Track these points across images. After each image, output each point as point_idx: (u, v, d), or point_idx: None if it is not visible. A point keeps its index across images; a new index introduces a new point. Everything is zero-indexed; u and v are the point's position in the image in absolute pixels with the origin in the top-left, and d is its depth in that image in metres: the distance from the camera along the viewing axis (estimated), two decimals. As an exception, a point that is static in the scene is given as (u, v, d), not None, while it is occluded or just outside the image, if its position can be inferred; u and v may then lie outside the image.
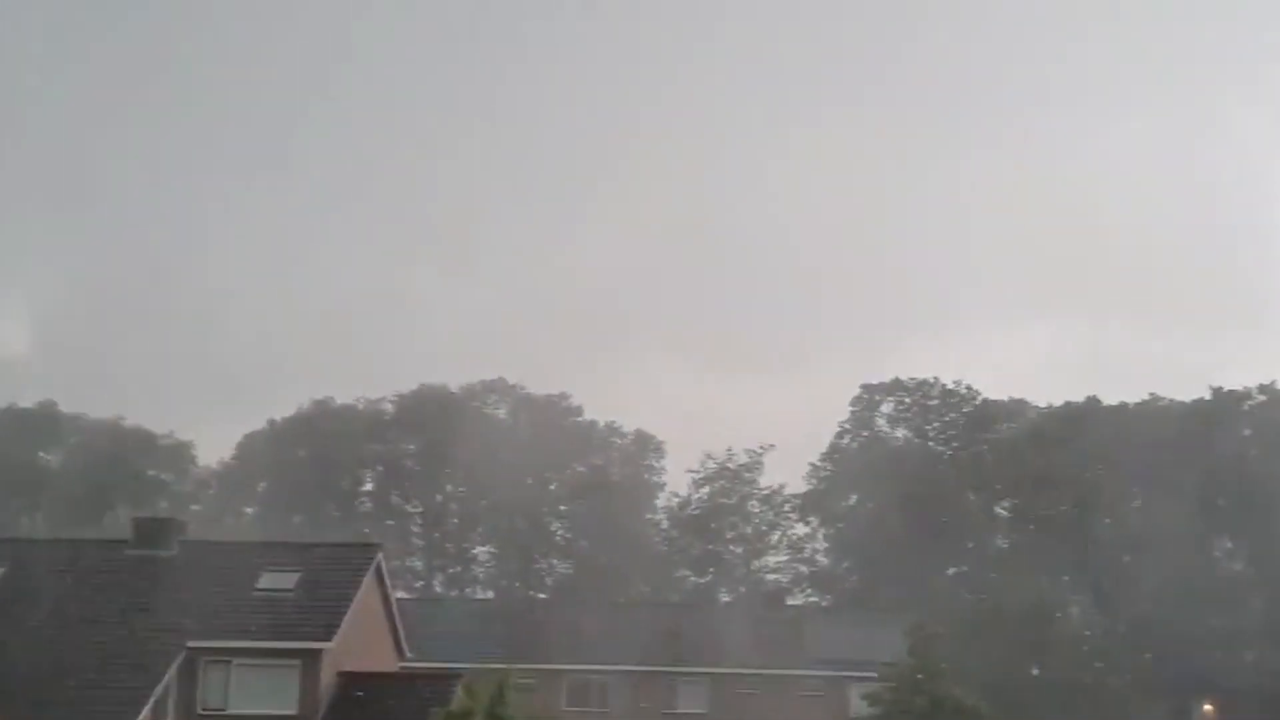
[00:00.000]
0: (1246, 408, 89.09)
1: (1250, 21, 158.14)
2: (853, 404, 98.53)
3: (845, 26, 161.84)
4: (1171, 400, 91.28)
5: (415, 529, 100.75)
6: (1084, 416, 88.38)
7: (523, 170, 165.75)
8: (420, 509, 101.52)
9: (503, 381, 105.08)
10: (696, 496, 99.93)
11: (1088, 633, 76.38)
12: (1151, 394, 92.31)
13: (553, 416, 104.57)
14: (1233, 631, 77.69)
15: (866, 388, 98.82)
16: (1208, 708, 71.96)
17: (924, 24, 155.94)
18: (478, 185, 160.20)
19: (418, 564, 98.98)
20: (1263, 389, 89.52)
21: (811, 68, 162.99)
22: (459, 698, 32.00)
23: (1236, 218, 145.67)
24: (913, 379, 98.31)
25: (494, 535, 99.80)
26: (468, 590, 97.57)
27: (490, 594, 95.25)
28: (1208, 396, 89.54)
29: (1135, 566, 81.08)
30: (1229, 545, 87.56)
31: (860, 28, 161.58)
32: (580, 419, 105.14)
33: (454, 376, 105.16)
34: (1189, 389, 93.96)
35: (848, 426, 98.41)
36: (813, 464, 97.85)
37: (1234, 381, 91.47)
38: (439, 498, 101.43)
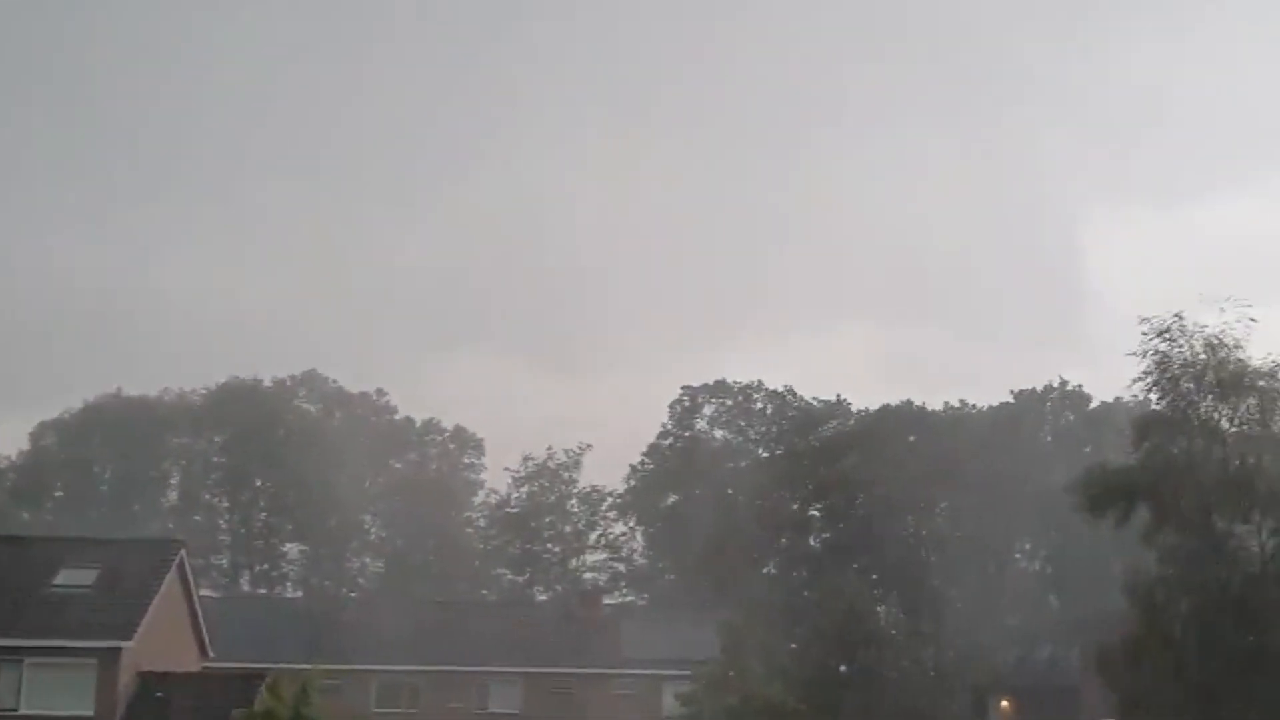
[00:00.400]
0: (1046, 406, 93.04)
1: (1057, 44, 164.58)
2: (673, 405, 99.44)
3: (663, 27, 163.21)
4: (977, 407, 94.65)
5: (222, 525, 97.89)
6: (895, 420, 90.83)
7: (342, 163, 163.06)
8: (228, 505, 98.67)
9: (315, 375, 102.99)
10: (516, 495, 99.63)
11: (894, 631, 78.32)
12: (961, 400, 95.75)
13: (368, 412, 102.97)
14: (1030, 630, 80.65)
15: (687, 389, 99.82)
16: (1005, 704, 74.36)
17: (740, 28, 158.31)
18: (296, 178, 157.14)
19: (224, 561, 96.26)
20: (1061, 391, 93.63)
21: (634, 68, 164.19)
22: (262, 698, 31.02)
23: (1044, 232, 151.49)
24: (736, 382, 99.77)
25: (304, 533, 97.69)
26: (276, 589, 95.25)
27: (299, 593, 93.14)
28: (1010, 401, 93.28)
29: (939, 567, 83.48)
30: (1028, 546, 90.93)
31: (682, 29, 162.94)
32: (396, 416, 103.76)
33: (267, 370, 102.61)
34: (997, 395, 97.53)
35: (668, 427, 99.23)
36: (632, 465, 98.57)
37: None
38: (247, 494, 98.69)
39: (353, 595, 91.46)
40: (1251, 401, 43.38)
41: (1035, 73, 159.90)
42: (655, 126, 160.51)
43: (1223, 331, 42.59)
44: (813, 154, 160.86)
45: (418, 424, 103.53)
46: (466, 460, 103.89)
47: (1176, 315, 42.90)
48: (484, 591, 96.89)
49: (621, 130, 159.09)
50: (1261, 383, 43.00)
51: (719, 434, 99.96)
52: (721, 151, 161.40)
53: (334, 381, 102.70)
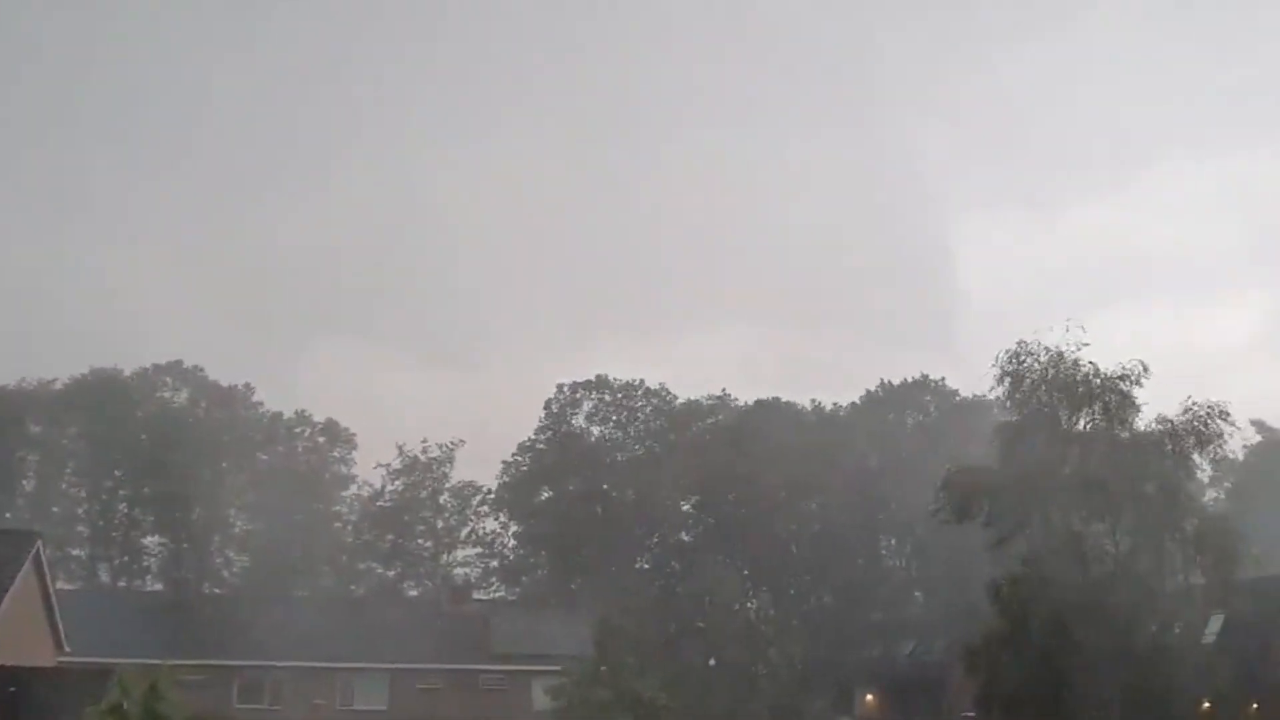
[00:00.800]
0: (912, 401, 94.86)
1: (931, 49, 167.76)
2: (549, 402, 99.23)
3: (541, 19, 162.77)
4: (845, 405, 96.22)
5: (81, 516, 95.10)
6: (768, 417, 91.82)
7: (213, 150, 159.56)
8: (86, 496, 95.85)
9: (181, 366, 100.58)
10: (389, 489, 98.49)
11: (764, 627, 79.00)
12: (835, 404, 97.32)
13: (234, 404, 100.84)
14: (893, 625, 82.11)
15: (564, 386, 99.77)
16: (869, 697, 75.64)
17: (619, 24, 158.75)
18: (165, 164, 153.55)
19: (82, 553, 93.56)
20: (923, 385, 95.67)
21: (512, 61, 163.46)
22: (112, 693, 30.10)
23: (916, 232, 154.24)
24: (616, 379, 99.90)
25: (166, 526, 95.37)
26: (136, 582, 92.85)
27: (160, 586, 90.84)
28: (877, 394, 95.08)
29: (808, 562, 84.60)
30: (893, 542, 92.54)
31: (563, 22, 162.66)
32: (264, 409, 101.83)
33: (133, 360, 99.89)
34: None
35: (544, 423, 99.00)
36: (505, 461, 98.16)
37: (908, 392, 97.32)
38: (107, 485, 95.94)
39: (216, 590, 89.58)
40: (1098, 408, 45.28)
41: (909, 76, 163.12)
42: (534, 121, 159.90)
43: (1070, 346, 44.89)
44: (692, 154, 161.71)
45: (286, 417, 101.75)
46: (336, 454, 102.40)
47: (1023, 341, 45.38)
48: (352, 587, 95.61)
49: (500, 123, 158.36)
50: (1109, 394, 45.03)
51: (595, 430, 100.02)
52: (602, 149, 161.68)
53: (200, 371, 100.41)
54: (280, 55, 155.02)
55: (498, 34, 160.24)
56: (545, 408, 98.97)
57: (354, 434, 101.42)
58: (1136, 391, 45.21)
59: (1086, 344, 45.22)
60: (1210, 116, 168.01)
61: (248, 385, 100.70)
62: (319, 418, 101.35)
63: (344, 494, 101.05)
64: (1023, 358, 45.65)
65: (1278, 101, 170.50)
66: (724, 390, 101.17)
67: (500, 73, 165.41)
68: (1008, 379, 45.96)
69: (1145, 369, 45.19)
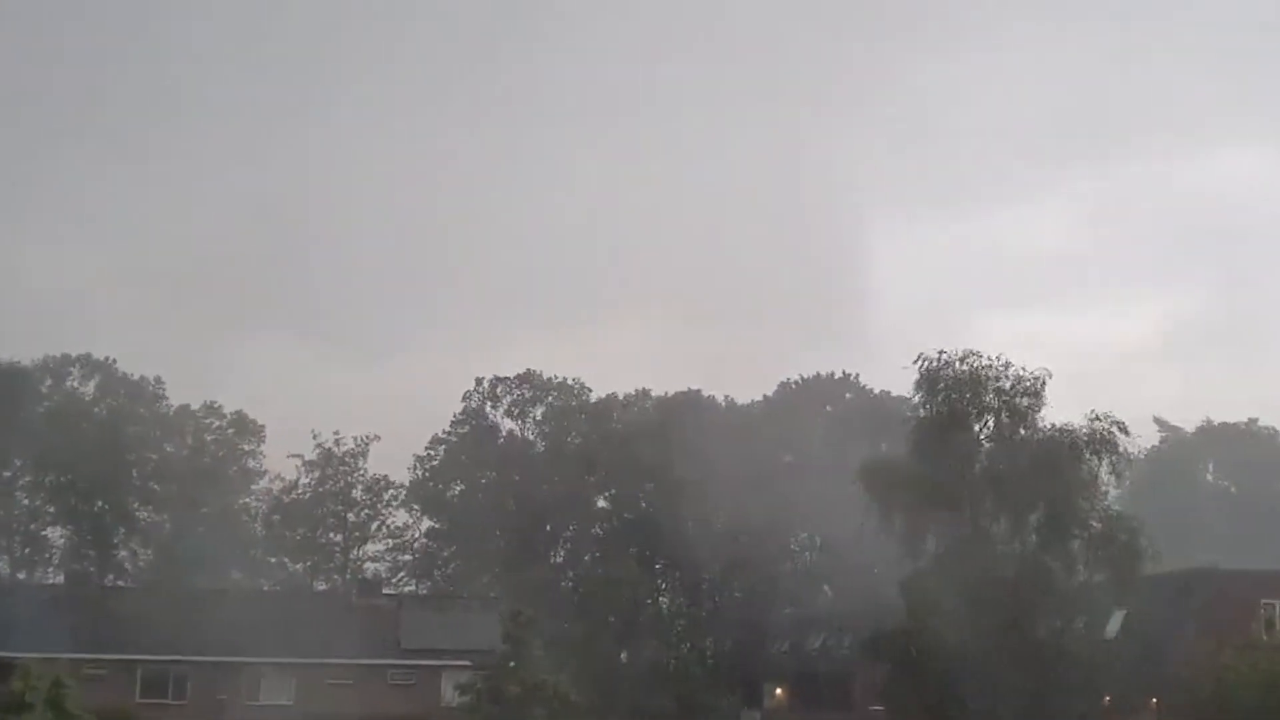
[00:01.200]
0: (822, 396, 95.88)
1: (846, 49, 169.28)
2: (467, 395, 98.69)
3: (451, 11, 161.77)
4: (755, 399, 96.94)
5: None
6: (682, 411, 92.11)
7: (124, 135, 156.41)
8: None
9: (89, 357, 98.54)
10: (304, 482, 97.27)
11: (676, 622, 79.46)
12: (751, 399, 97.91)
13: (144, 395, 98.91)
14: (803, 620, 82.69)
15: (481, 380, 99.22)
16: (779, 691, 76.13)
17: (527, 23, 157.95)
18: (76, 149, 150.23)
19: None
20: (831, 381, 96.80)
21: (434, 51, 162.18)
22: (15, 687, 29.48)
23: (829, 232, 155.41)
24: (535, 372, 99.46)
25: (68, 517, 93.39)
26: (38, 574, 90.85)
27: (60, 579, 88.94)
28: (790, 387, 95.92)
29: (719, 556, 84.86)
30: (804, 536, 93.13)
31: (469, 16, 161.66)
32: (170, 400, 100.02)
33: (39, 349, 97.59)
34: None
35: (460, 417, 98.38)
36: (416, 455, 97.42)
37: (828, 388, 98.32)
38: (6, 475, 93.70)
39: (119, 583, 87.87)
40: (1005, 413, 46.69)
41: (824, 75, 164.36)
42: (451, 112, 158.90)
43: (981, 353, 47.02)
44: (611, 149, 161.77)
45: (194, 409, 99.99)
46: (246, 447, 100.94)
47: (942, 350, 47.27)
48: (260, 581, 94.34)
49: (416, 113, 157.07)
50: (1018, 398, 46.72)
51: (510, 424, 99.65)
52: (519, 142, 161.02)
53: (111, 362, 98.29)
54: (184, 38, 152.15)
55: (413, 21, 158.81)
56: (464, 399, 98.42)
57: (263, 425, 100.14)
58: (1042, 395, 46.79)
59: (1001, 356, 47.31)
60: (1117, 124, 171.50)
61: (158, 379, 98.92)
62: (228, 409, 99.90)
63: (253, 487, 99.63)
64: (936, 364, 46.96)
65: (1181, 110, 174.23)
66: (639, 386, 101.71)
67: (414, 61, 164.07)
68: (923, 384, 47.25)
69: (1050, 375, 47.07)
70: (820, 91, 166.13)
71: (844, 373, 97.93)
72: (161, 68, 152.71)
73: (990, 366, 47.04)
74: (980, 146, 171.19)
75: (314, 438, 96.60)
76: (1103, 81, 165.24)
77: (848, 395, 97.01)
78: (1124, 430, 46.43)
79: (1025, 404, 47.03)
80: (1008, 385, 47.02)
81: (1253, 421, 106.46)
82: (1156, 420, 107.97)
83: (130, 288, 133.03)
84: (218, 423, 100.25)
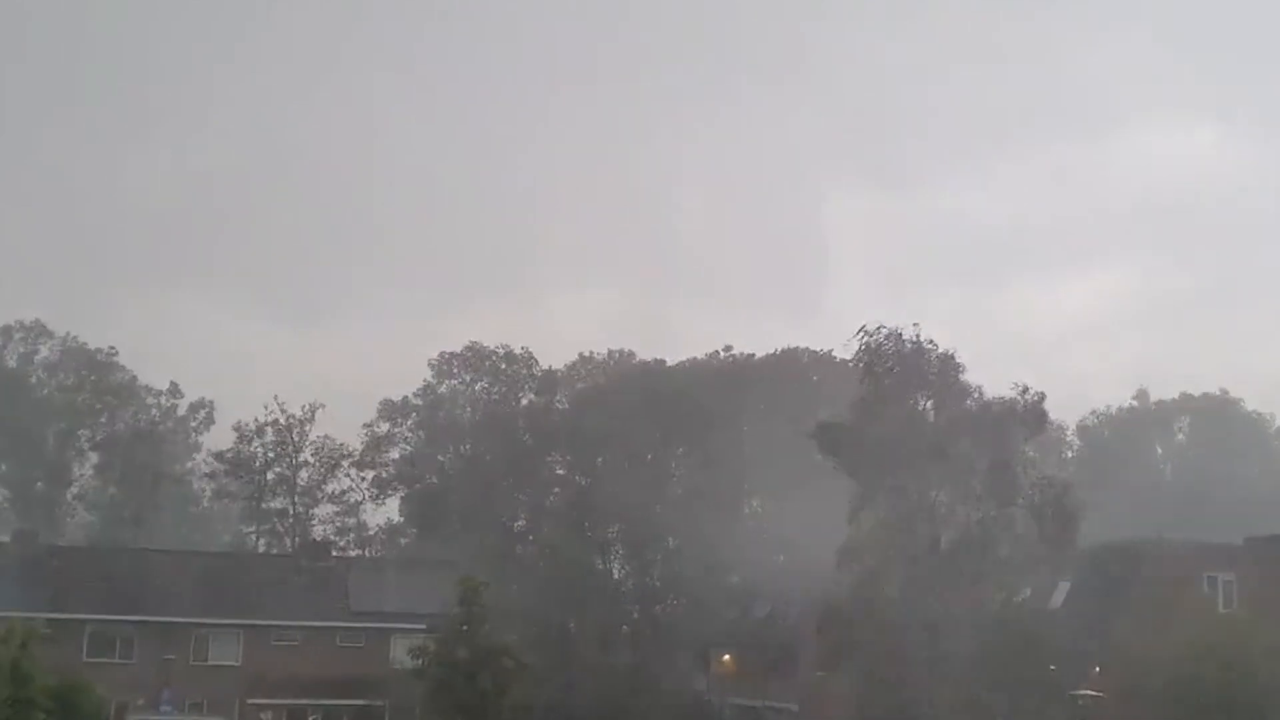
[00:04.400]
0: (796, 364, 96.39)
1: (802, 23, 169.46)
2: (430, 362, 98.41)
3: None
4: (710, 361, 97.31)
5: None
6: (634, 378, 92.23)
7: (73, 91, 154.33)
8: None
9: (40, 325, 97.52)
10: (253, 447, 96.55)
11: (631, 584, 79.56)
12: (700, 356, 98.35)
13: (95, 364, 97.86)
14: (751, 587, 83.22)
15: (440, 353, 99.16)
16: (726, 658, 76.63)
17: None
18: (21, 105, 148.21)
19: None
20: (787, 351, 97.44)
21: (375, 14, 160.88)
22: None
23: (787, 207, 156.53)
24: (493, 347, 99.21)
25: (11, 480, 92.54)
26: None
27: (4, 538, 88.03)
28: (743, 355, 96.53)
29: (670, 523, 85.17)
30: (755, 505, 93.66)
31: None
32: (125, 371, 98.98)
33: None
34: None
35: (415, 385, 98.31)
36: (366, 424, 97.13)
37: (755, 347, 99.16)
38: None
39: (63, 544, 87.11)
40: (941, 385, 47.67)
41: (781, 53, 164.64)
42: (406, 82, 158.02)
43: (919, 333, 48.28)
44: (565, 120, 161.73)
45: (144, 379, 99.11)
46: (198, 414, 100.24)
47: (882, 325, 48.30)
48: (207, 545, 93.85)
49: (372, 80, 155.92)
50: (951, 371, 48.48)
51: (463, 391, 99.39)
52: (471, 111, 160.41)
53: (51, 331, 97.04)
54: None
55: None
56: (419, 366, 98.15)
57: (210, 396, 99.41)
58: (978, 370, 48.47)
59: (932, 338, 48.72)
60: (1066, 102, 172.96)
61: (111, 348, 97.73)
62: (180, 375, 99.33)
63: (202, 446, 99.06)
64: (875, 339, 47.78)
65: (1130, 89, 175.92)
66: (589, 351, 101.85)
67: (370, 26, 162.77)
68: (864, 357, 48.11)
69: (954, 352, 48.45)
70: (778, 68, 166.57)
71: (795, 344, 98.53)
72: (108, 22, 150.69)
73: (926, 342, 48.16)
74: (937, 124, 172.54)
75: (266, 408, 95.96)
76: (1059, 59, 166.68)
77: (798, 365, 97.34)
78: (1043, 400, 48.43)
79: (957, 377, 48.27)
80: (941, 359, 48.13)
81: (1224, 393, 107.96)
82: (1136, 395, 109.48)
83: (78, 252, 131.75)
84: (166, 387, 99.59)
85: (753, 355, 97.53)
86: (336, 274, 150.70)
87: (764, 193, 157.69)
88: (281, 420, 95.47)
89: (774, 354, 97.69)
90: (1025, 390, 48.26)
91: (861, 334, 48.44)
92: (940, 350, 48.65)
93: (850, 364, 51.30)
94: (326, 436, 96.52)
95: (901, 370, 48.17)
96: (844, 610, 47.51)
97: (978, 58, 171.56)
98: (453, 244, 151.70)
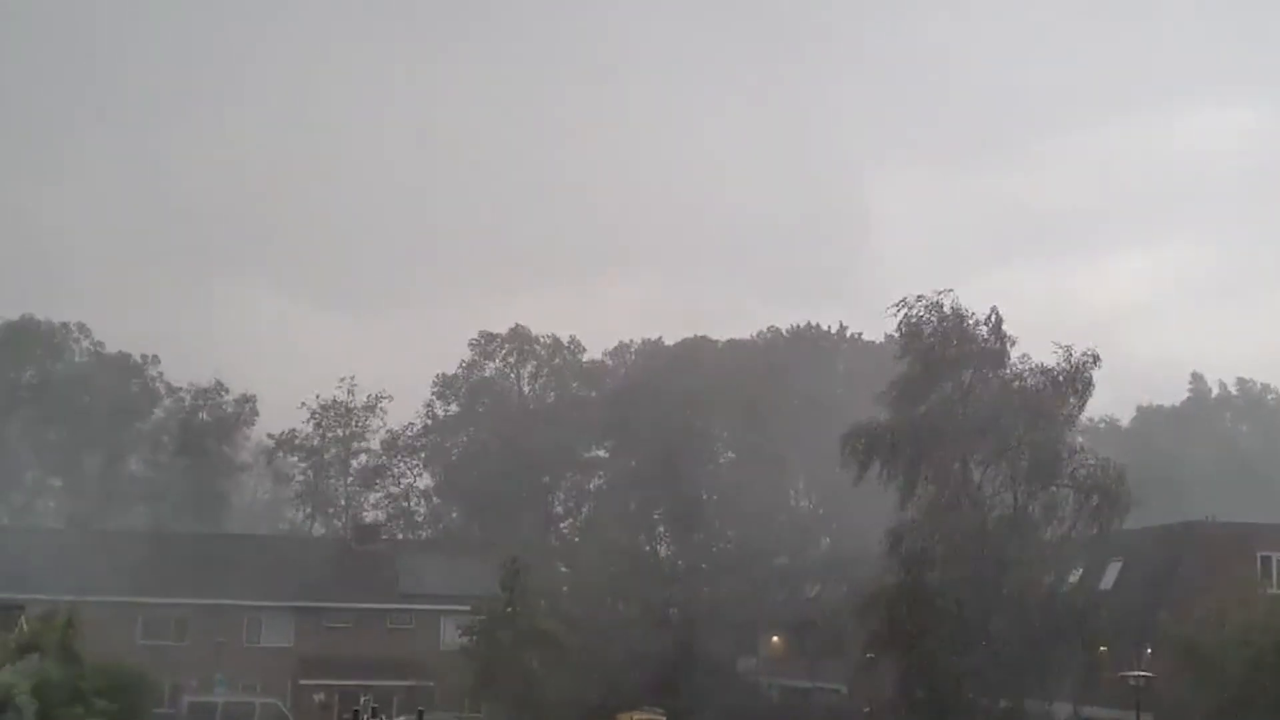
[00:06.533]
0: (840, 347, 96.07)
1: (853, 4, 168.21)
2: (472, 344, 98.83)
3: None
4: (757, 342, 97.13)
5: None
6: (681, 361, 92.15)
7: (125, 82, 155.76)
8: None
9: (85, 325, 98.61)
10: (307, 432, 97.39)
11: (679, 563, 79.47)
12: (764, 328, 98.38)
13: (139, 346, 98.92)
14: (799, 569, 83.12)
15: (480, 337, 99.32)
16: (775, 640, 76.61)
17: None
18: (71, 97, 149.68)
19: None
20: (832, 332, 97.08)
21: (427, 5, 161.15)
22: (22, 630, 29.75)
23: (832, 187, 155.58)
24: (528, 330, 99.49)
25: (67, 468, 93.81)
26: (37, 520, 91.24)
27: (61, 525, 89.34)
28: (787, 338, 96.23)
29: (716, 506, 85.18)
30: (800, 486, 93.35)
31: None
32: (167, 348, 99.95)
33: (39, 308, 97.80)
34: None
35: (462, 371, 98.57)
36: (420, 409, 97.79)
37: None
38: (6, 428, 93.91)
39: (117, 529, 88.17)
40: (985, 360, 46.23)
41: (831, 32, 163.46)
42: (454, 70, 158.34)
43: (963, 306, 46.55)
44: (608, 105, 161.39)
45: (189, 371, 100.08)
46: (242, 405, 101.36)
47: (921, 295, 46.74)
48: (261, 529, 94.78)
49: (417, 73, 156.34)
50: (995, 344, 46.56)
51: (510, 378, 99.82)
52: (518, 100, 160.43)
53: (86, 332, 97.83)
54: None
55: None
56: (465, 351, 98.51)
57: (254, 389, 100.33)
58: (1023, 345, 46.87)
59: (987, 311, 46.77)
60: (1124, 83, 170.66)
61: (155, 356, 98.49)
62: (225, 365, 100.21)
63: (251, 437, 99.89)
64: (915, 311, 46.64)
65: (1183, 68, 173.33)
66: (640, 336, 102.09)
67: (418, 10, 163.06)
68: (903, 331, 47.10)
69: (999, 317, 46.44)
70: (825, 48, 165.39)
71: (841, 325, 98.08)
72: (158, 10, 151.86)
73: (969, 316, 46.77)
74: (986, 104, 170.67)
75: (318, 395, 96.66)
76: (1109, 40, 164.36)
77: (850, 347, 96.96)
78: (1098, 363, 46.08)
79: (998, 351, 46.80)
80: (984, 331, 46.77)
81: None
82: (1194, 376, 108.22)
83: (131, 245, 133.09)
84: (218, 399, 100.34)
85: (792, 330, 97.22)
86: (384, 263, 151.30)
87: (808, 174, 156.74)
88: (348, 402, 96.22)
89: (816, 331, 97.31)
90: (1069, 353, 45.92)
91: (901, 305, 47.26)
92: (980, 316, 47.09)
93: (888, 340, 49.87)
94: (381, 426, 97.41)
95: (941, 343, 46.77)
96: (887, 593, 47.10)
97: (1029, 38, 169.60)
98: (500, 232, 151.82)
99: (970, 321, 46.68)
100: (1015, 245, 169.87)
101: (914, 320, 46.83)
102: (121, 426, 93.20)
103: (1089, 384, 46.37)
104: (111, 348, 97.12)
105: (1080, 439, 47.46)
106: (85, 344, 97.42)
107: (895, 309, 47.22)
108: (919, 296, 46.83)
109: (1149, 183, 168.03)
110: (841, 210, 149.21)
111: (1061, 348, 46.28)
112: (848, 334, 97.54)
